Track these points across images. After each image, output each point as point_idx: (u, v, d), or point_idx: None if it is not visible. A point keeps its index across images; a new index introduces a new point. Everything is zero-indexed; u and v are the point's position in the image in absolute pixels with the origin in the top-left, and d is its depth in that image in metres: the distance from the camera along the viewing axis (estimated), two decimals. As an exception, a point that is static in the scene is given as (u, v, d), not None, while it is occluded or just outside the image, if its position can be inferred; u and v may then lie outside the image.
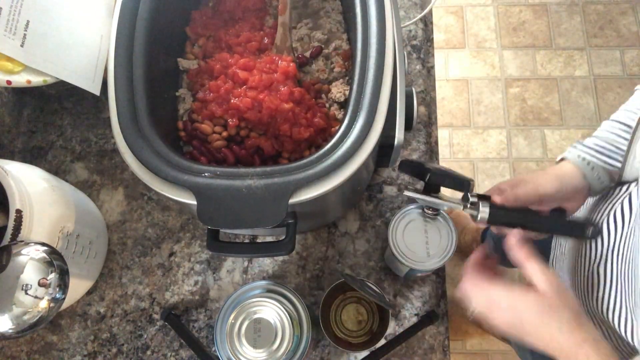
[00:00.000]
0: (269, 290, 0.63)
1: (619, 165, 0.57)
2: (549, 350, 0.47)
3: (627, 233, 0.52)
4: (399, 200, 0.74)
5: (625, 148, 0.57)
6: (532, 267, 0.49)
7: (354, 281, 0.59)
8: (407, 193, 0.56)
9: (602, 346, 0.45)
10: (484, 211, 0.53)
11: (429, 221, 0.60)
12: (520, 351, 0.87)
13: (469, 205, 0.54)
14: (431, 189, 0.56)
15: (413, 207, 0.61)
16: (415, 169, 0.60)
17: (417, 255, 0.60)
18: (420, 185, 0.74)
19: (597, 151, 0.58)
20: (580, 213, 0.67)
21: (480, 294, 0.51)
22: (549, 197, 0.55)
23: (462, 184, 0.55)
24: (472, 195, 0.54)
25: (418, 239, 0.60)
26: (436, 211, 0.59)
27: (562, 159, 0.60)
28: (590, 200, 0.68)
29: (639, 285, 0.48)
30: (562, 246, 0.69)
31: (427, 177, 0.55)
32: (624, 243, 0.52)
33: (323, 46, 0.68)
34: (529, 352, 0.80)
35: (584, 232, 0.53)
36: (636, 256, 0.48)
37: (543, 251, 0.73)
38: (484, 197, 0.54)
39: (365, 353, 0.66)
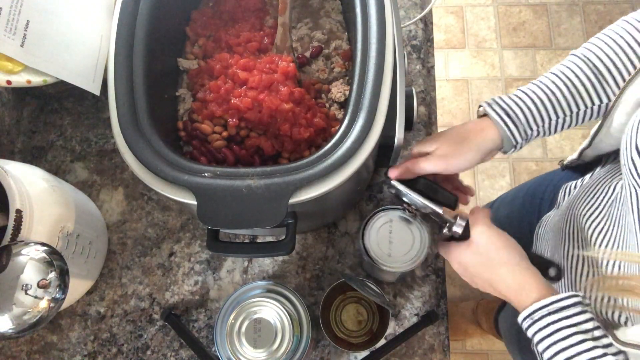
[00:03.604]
0: (269, 290, 0.63)
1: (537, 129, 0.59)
2: (495, 294, 0.54)
3: (617, 232, 0.52)
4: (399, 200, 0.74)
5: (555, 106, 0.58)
6: (472, 218, 0.55)
7: (354, 281, 0.59)
8: (394, 182, 0.57)
9: (533, 290, 0.49)
10: (459, 225, 0.55)
11: (404, 225, 0.60)
12: (509, 348, 0.88)
13: (450, 218, 0.56)
14: (422, 194, 0.57)
15: (395, 210, 0.61)
16: (410, 182, 0.60)
17: (384, 253, 0.60)
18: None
19: (522, 118, 0.58)
20: (563, 205, 0.67)
21: (451, 257, 0.57)
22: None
23: (449, 199, 0.58)
24: (460, 217, 0.56)
25: (386, 239, 0.60)
26: (415, 212, 0.59)
27: (485, 115, 0.60)
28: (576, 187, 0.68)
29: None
30: (545, 252, 0.70)
31: (418, 182, 0.58)
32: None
33: (323, 46, 0.68)
34: (517, 350, 0.80)
35: (547, 273, 0.55)
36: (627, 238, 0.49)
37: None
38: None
39: (365, 353, 0.66)
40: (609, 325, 0.53)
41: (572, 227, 0.60)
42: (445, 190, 0.58)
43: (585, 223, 0.57)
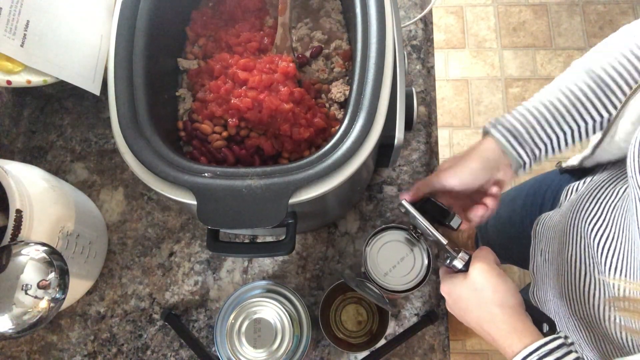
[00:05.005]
0: (269, 290, 0.63)
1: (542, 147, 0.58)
2: (480, 334, 0.52)
3: (621, 242, 0.52)
4: (399, 200, 0.74)
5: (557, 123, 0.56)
6: (475, 254, 0.53)
7: (353, 282, 0.59)
8: (404, 203, 0.56)
9: (526, 335, 0.48)
10: (460, 261, 0.54)
11: (406, 246, 0.60)
12: None
13: (453, 251, 0.55)
14: (427, 219, 0.57)
15: (401, 229, 0.61)
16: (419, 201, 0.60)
17: (382, 272, 0.59)
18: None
19: (521, 131, 0.57)
20: (564, 207, 0.67)
21: (443, 285, 0.57)
22: (473, 184, 0.58)
23: (446, 215, 0.58)
24: (464, 251, 0.56)
25: (389, 259, 0.60)
26: (420, 235, 0.59)
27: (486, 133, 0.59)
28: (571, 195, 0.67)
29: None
30: (545, 252, 0.69)
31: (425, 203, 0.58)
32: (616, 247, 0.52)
33: (323, 46, 0.68)
34: None
35: (541, 328, 0.53)
36: (634, 254, 0.48)
37: (521, 257, 0.73)
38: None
39: (365, 353, 0.66)
40: (617, 349, 0.53)
41: (577, 233, 0.59)
42: (441, 205, 0.58)
43: (591, 231, 0.56)
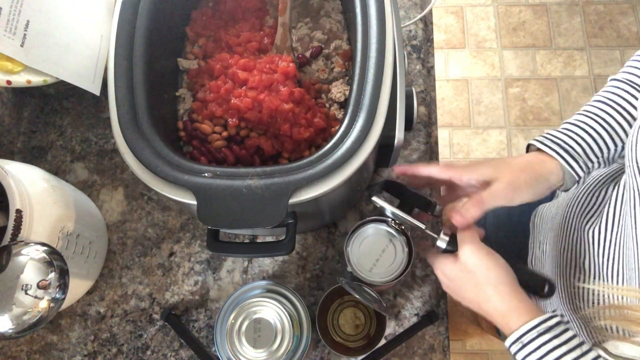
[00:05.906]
0: (269, 290, 0.63)
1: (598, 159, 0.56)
2: (479, 312, 0.53)
3: (616, 232, 0.52)
4: (399, 200, 0.74)
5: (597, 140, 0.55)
6: (461, 235, 0.53)
7: (351, 286, 0.59)
8: (374, 199, 0.57)
9: (523, 313, 0.49)
10: (443, 241, 0.55)
11: (389, 238, 0.60)
12: None
13: (433, 233, 0.56)
14: (404, 207, 0.57)
15: (382, 222, 0.60)
16: (396, 190, 0.61)
17: (364, 266, 0.59)
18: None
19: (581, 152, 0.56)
20: (557, 204, 0.67)
21: (435, 267, 0.57)
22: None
23: (428, 205, 0.58)
24: (443, 231, 0.56)
25: (371, 253, 0.59)
26: (400, 226, 0.59)
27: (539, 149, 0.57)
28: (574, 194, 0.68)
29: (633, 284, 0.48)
30: (543, 244, 0.69)
31: (401, 193, 0.59)
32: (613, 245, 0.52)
33: (323, 46, 0.68)
34: None
35: (542, 290, 0.53)
36: (627, 251, 0.48)
37: (519, 251, 0.73)
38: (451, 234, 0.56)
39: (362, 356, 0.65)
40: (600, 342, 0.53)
41: (572, 226, 0.59)
42: (422, 197, 0.58)
43: (586, 224, 0.56)
